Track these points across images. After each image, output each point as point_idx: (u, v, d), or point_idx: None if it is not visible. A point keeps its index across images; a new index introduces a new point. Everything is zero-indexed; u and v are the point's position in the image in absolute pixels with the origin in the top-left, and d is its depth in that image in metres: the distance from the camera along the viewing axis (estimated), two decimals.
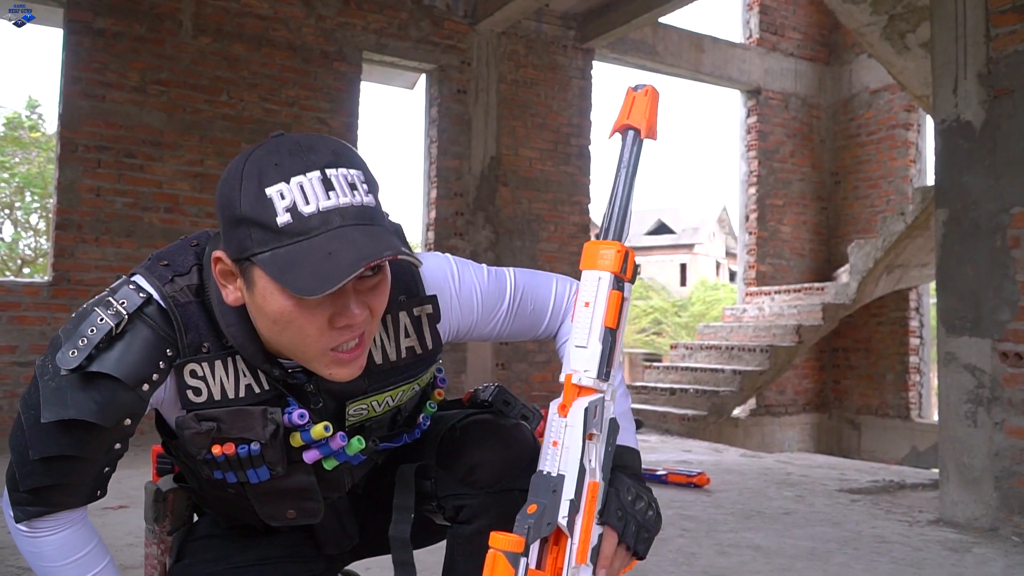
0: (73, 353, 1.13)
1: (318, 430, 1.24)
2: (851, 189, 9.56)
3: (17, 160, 18.06)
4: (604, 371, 1.13)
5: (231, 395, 1.22)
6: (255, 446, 1.23)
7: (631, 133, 1.18)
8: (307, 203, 1.07)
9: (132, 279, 1.22)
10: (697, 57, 8.86)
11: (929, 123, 8.67)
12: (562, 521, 1.09)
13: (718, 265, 44.28)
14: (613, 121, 1.20)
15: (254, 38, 6.32)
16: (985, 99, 3.60)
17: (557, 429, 1.11)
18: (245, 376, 1.23)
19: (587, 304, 1.13)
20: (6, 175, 18.09)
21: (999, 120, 3.55)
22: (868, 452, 8.84)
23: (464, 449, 1.40)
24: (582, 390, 1.12)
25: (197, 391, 1.21)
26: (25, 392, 1.20)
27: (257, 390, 1.23)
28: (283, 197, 1.07)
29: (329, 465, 1.30)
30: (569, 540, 1.10)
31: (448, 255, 1.41)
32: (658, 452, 5.91)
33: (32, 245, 19.11)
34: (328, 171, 1.10)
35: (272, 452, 1.25)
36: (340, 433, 1.27)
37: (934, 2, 3.87)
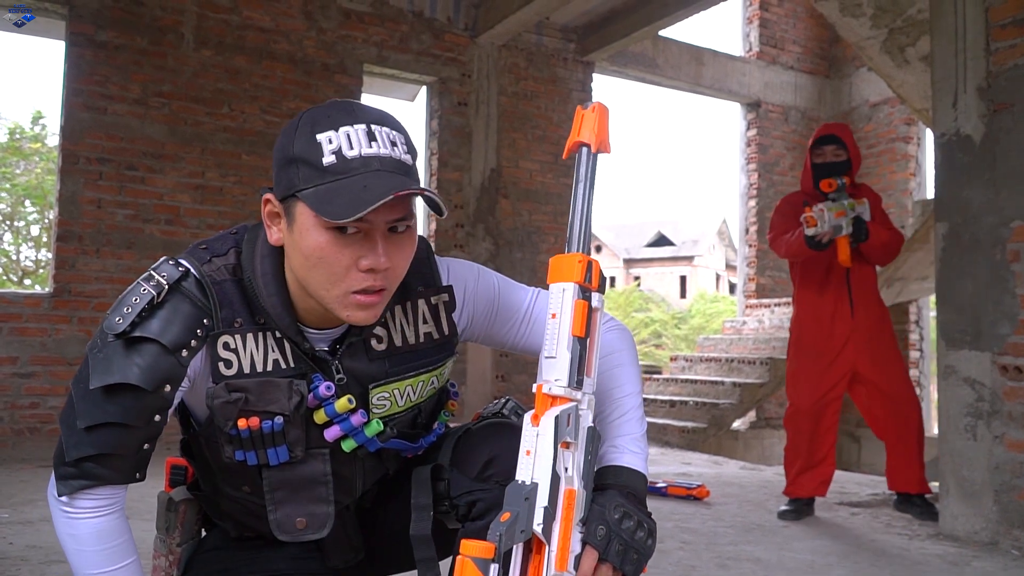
0: (119, 320, 1.23)
1: (342, 403, 1.32)
2: None
3: (19, 172, 18.09)
4: (575, 379, 1.15)
5: (260, 368, 1.30)
6: (279, 420, 1.30)
7: (584, 149, 1.23)
8: (351, 148, 1.20)
9: (174, 258, 1.32)
10: (697, 70, 8.89)
11: (929, 136, 8.68)
12: (537, 528, 1.10)
13: (718, 277, 44.32)
14: (567, 141, 1.26)
15: (255, 51, 6.34)
16: (985, 113, 3.61)
17: (529, 439, 1.13)
18: (274, 351, 1.31)
19: (554, 316, 1.16)
20: (7, 186, 18.12)
21: (999, 134, 3.56)
22: (868, 465, 8.82)
23: (478, 447, 1.43)
24: (555, 400, 1.14)
25: (228, 363, 1.29)
26: (76, 373, 1.28)
27: (284, 365, 1.32)
28: (331, 142, 1.20)
29: (348, 447, 1.36)
30: (547, 548, 1.11)
31: (479, 266, 1.50)
32: (658, 464, 5.90)
33: (33, 256, 19.13)
34: (373, 126, 1.22)
35: (294, 430, 1.32)
36: (361, 410, 1.35)
37: (934, 16, 3.89)
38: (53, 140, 17.43)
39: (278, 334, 1.31)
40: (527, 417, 1.14)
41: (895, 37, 5.79)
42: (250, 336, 1.30)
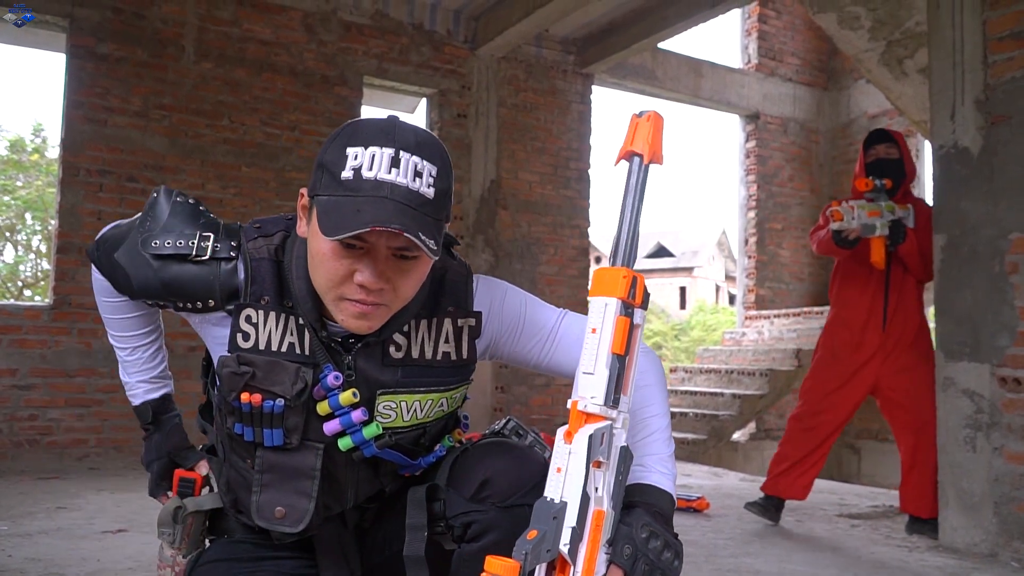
0: (156, 244, 1.38)
1: (347, 396, 1.34)
2: None
3: (20, 184, 18.11)
4: (612, 398, 1.11)
5: (275, 347, 1.35)
6: (279, 402, 1.33)
7: (636, 159, 1.18)
8: (370, 169, 1.21)
9: (235, 227, 1.42)
10: (696, 82, 8.92)
11: (928, 148, 8.70)
12: (563, 548, 1.07)
13: (717, 289, 44.31)
14: (619, 148, 1.20)
15: (256, 63, 6.36)
16: (983, 125, 3.63)
17: (561, 456, 1.09)
18: (292, 335, 1.35)
19: (594, 330, 1.12)
20: (7, 198, 18.14)
21: (997, 146, 3.57)
22: (868, 477, 8.80)
23: (475, 466, 1.42)
24: (589, 417, 1.11)
25: (246, 336, 1.35)
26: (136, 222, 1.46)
27: (298, 351, 1.35)
28: (356, 158, 1.22)
29: (344, 444, 1.37)
30: (572, 569, 1.08)
31: (508, 284, 1.51)
32: None
33: (33, 268, 19.13)
34: (403, 153, 1.23)
35: (293, 416, 1.35)
36: (363, 408, 1.36)
37: (932, 29, 3.91)
38: (53, 152, 17.47)
39: (301, 320, 1.35)
40: (560, 433, 1.11)
41: (893, 49, 5.81)
42: (272, 315, 1.35)
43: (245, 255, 1.36)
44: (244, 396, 1.33)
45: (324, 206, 1.22)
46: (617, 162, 1.21)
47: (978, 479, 3.55)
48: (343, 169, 1.22)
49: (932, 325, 4.11)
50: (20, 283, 18.72)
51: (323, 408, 1.35)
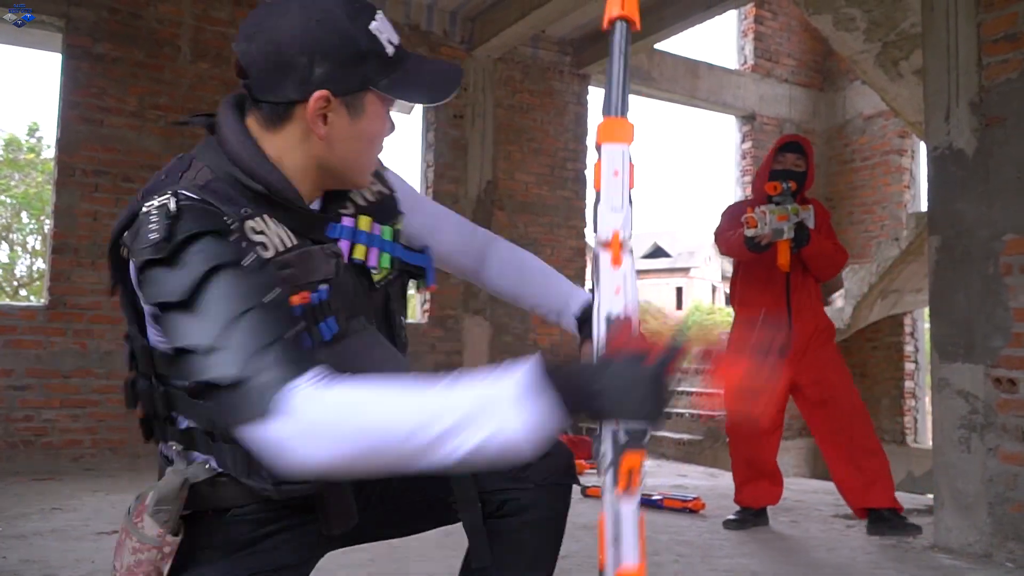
0: (152, 238, 1.16)
1: (365, 221, 1.40)
2: (845, 214, 9.59)
3: (14, 183, 18.08)
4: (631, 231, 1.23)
5: (288, 244, 1.29)
6: (323, 288, 1.29)
7: (620, 23, 1.21)
8: (392, 36, 1.31)
9: (146, 200, 1.24)
10: (693, 83, 8.93)
11: (923, 149, 8.73)
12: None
13: (714, 289, 44.31)
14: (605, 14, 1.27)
15: None
16: (977, 127, 3.63)
17: (616, 278, 1.19)
18: (280, 230, 1.30)
19: (616, 173, 1.22)
20: (3, 197, 18.11)
21: (991, 148, 3.58)
22: None
23: None
24: (623, 245, 1.22)
25: (264, 246, 1.25)
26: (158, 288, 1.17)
27: (296, 240, 1.31)
28: (381, 32, 1.29)
29: (384, 262, 1.42)
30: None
31: None
32: (653, 477, 5.90)
33: (28, 266, 19.11)
34: (378, 11, 1.32)
35: (335, 297, 1.31)
36: (376, 225, 1.43)
37: (927, 31, 3.91)
38: (49, 152, 17.44)
39: (273, 218, 1.29)
40: (607, 259, 1.19)
41: (888, 51, 5.82)
42: (260, 219, 1.27)
43: (191, 190, 1.23)
44: (294, 299, 1.24)
45: (395, 87, 1.30)
46: (605, 28, 1.25)
47: (972, 480, 3.56)
48: (383, 47, 1.29)
49: (927, 326, 4.11)
50: (15, 283, 18.69)
51: (359, 251, 1.38)
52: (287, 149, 1.31)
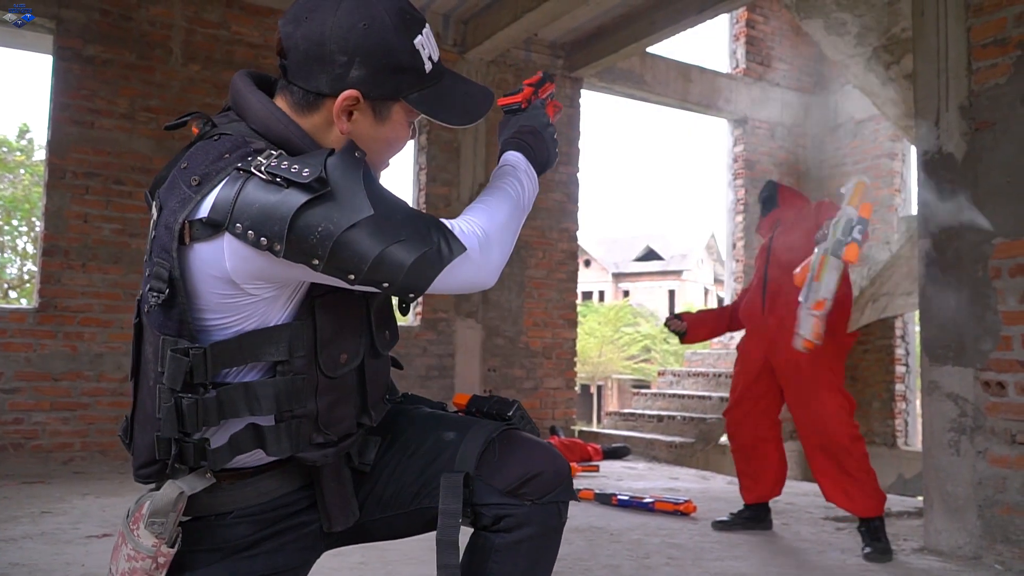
0: (306, 173, 1.19)
1: None
2: None
3: (3, 185, 18.01)
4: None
5: None
6: None
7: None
8: (433, 52, 1.38)
9: (206, 183, 1.25)
10: (684, 87, 8.94)
11: (914, 153, 8.76)
12: None
13: (706, 292, 44.36)
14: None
15: (244, 66, 6.33)
16: (967, 131, 3.65)
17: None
18: None
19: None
20: None
21: (980, 152, 3.60)
22: None
23: (508, 459, 1.43)
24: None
25: None
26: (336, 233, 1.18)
27: None
28: (423, 48, 1.35)
29: None
30: None
31: None
32: (645, 479, 5.90)
33: (19, 269, 19.03)
34: (427, 25, 1.38)
35: None
36: None
37: (917, 35, 3.93)
38: (40, 154, 17.38)
39: None
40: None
41: (879, 55, 5.84)
42: None
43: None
44: None
45: (425, 102, 1.36)
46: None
47: (962, 482, 3.57)
48: (422, 63, 1.35)
49: (918, 328, 4.12)
50: (6, 285, 18.62)
51: None
52: (312, 133, 1.34)
